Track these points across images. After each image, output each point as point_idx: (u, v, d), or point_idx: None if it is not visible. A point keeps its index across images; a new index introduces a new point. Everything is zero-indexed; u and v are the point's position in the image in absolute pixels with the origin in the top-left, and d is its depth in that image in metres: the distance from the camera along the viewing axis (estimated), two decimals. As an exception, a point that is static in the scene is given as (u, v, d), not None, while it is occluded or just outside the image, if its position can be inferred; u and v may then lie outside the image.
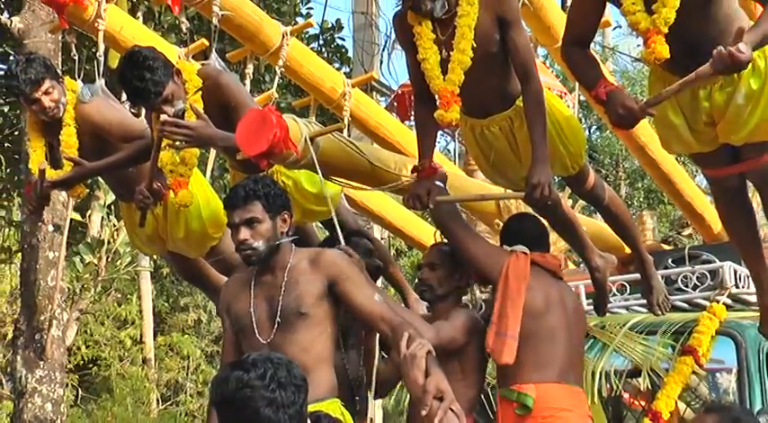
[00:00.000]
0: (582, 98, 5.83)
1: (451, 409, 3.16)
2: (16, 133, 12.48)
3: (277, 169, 4.97)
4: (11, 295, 20.26)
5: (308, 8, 13.45)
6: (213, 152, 5.97)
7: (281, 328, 4.08)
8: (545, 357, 4.55)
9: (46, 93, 5.22)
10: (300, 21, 10.14)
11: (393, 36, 10.42)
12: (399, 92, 9.24)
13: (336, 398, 4.12)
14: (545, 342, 4.56)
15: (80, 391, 22.30)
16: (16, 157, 12.52)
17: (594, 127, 20.38)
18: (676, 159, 6.95)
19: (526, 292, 4.60)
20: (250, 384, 2.56)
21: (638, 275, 5.47)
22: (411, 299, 5.49)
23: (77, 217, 13.89)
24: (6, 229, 17.29)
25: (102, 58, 5.53)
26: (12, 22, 11.02)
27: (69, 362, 14.05)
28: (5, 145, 13.47)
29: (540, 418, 4.47)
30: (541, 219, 5.17)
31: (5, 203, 14.27)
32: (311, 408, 3.59)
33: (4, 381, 21.68)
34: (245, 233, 4.06)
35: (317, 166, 4.67)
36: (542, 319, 4.59)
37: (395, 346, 3.76)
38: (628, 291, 5.64)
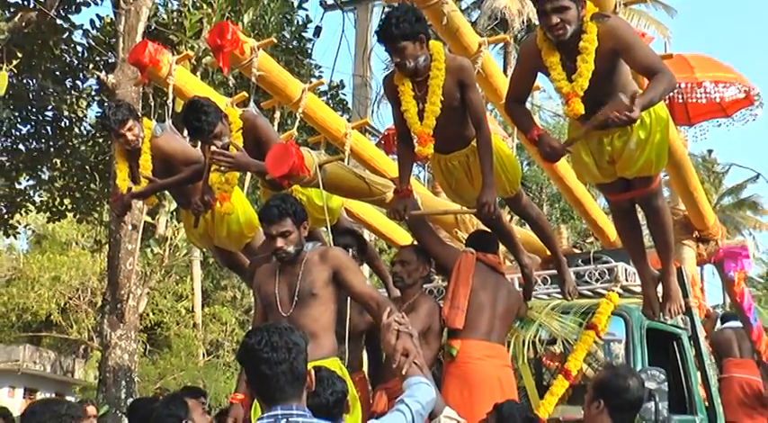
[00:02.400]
0: (518, 141, 5.78)
1: (415, 363, 3.14)
2: (107, 158, 12.44)
3: (295, 187, 4.93)
4: (100, 275, 20.20)
5: (320, 72, 13.47)
6: (249, 175, 5.92)
7: (297, 304, 4.08)
8: (473, 323, 4.63)
9: (129, 129, 5.21)
10: (314, 81, 10.07)
11: (382, 92, 10.41)
12: (386, 133, 9.17)
13: (336, 357, 4.11)
14: (475, 313, 4.65)
15: (148, 346, 22.24)
16: (107, 175, 12.48)
17: (526, 162, 20.47)
18: (585, 187, 6.90)
19: (471, 278, 4.70)
20: (251, 348, 2.53)
21: (555, 271, 5.49)
22: (390, 286, 5.44)
23: (149, 219, 13.86)
24: (98, 227, 17.25)
25: (170, 105, 5.50)
26: (108, 78, 11.04)
27: (141, 324, 13.95)
28: (99, 167, 13.42)
29: (462, 363, 4.56)
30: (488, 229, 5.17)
31: (98, 208, 14.20)
32: (317, 363, 3.59)
33: (94, 337, 21.60)
34: (280, 242, 4.08)
35: (322, 186, 4.65)
36: (475, 297, 4.67)
37: (378, 317, 3.76)
38: (548, 282, 5.60)
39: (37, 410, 3.11)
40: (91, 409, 6.82)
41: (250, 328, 3.30)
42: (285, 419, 2.46)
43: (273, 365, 2.49)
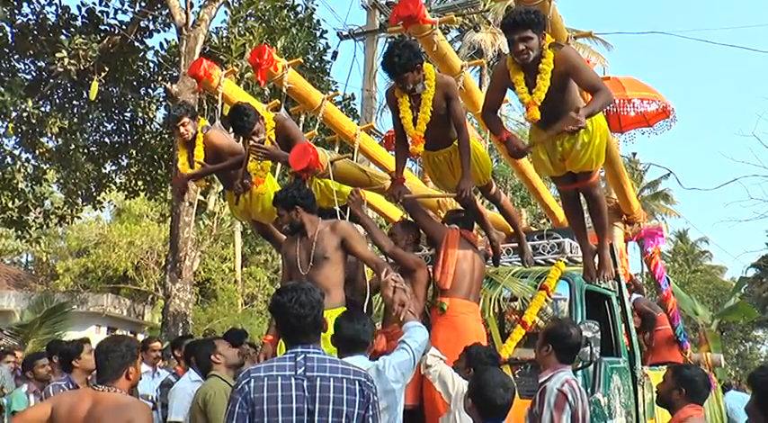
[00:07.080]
0: (490, 142, 5.68)
1: (409, 311, 3.17)
2: (171, 150, 12.37)
3: (314, 178, 4.86)
4: (164, 241, 20.14)
5: (335, 86, 13.41)
6: (279, 164, 5.84)
7: (313, 266, 4.05)
8: (458, 285, 4.56)
9: (183, 124, 5.15)
10: (330, 93, 9.97)
11: (384, 103, 10.31)
12: (386, 134, 9.04)
13: (344, 306, 4.05)
14: (459, 277, 4.58)
15: (199, 297, 22.19)
16: (170, 163, 12.44)
17: (495, 159, 20.33)
18: (541, 179, 6.80)
19: (456, 249, 4.63)
20: (282, 304, 2.49)
21: (516, 244, 5.43)
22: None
23: (202, 198, 13.82)
24: (163, 204, 17.18)
25: (219, 108, 5.41)
26: (172, 87, 10.97)
27: (194, 280, 13.94)
28: (165, 157, 13.37)
29: (451, 316, 4.48)
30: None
31: (164, 189, 14.17)
32: (328, 312, 3.53)
33: (159, 288, 21.56)
34: (280, 220, 4.17)
35: (332, 178, 4.61)
36: (460, 265, 4.60)
37: (378, 275, 3.73)
38: (511, 253, 5.53)
39: (108, 352, 2.93)
40: (156, 345, 6.73)
41: (278, 284, 3.27)
42: (303, 355, 2.44)
43: (301, 319, 2.46)
